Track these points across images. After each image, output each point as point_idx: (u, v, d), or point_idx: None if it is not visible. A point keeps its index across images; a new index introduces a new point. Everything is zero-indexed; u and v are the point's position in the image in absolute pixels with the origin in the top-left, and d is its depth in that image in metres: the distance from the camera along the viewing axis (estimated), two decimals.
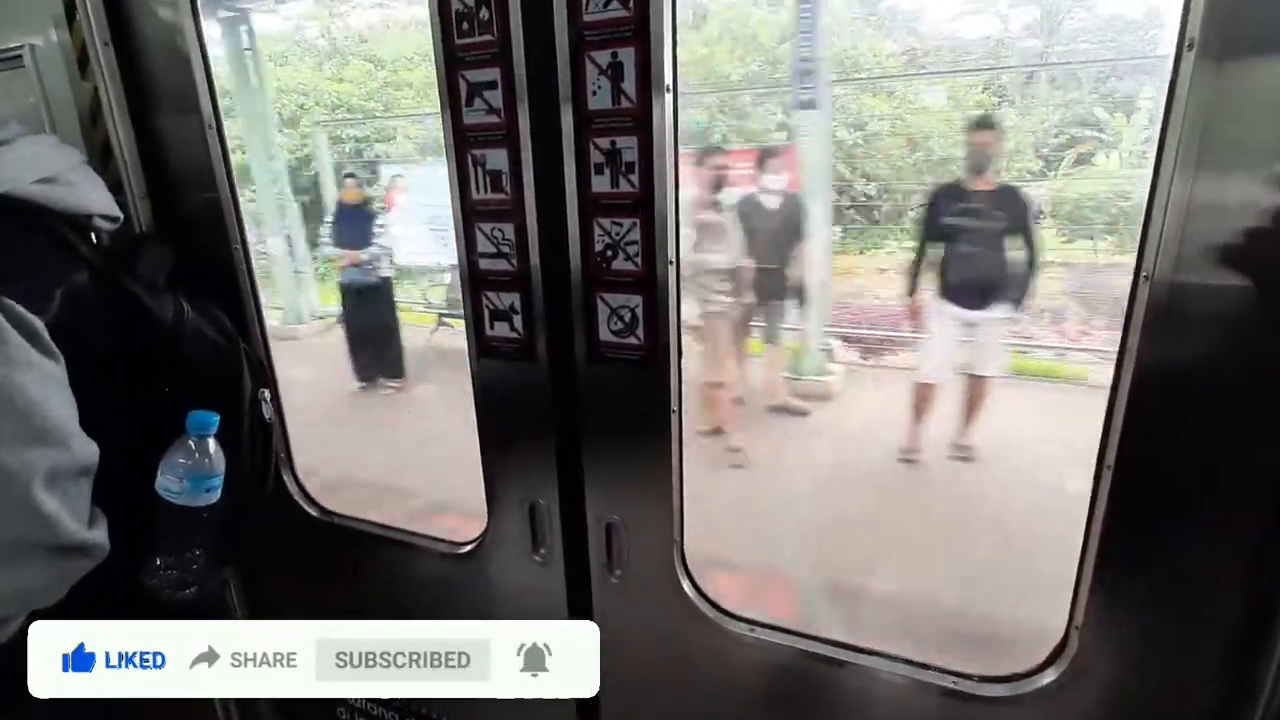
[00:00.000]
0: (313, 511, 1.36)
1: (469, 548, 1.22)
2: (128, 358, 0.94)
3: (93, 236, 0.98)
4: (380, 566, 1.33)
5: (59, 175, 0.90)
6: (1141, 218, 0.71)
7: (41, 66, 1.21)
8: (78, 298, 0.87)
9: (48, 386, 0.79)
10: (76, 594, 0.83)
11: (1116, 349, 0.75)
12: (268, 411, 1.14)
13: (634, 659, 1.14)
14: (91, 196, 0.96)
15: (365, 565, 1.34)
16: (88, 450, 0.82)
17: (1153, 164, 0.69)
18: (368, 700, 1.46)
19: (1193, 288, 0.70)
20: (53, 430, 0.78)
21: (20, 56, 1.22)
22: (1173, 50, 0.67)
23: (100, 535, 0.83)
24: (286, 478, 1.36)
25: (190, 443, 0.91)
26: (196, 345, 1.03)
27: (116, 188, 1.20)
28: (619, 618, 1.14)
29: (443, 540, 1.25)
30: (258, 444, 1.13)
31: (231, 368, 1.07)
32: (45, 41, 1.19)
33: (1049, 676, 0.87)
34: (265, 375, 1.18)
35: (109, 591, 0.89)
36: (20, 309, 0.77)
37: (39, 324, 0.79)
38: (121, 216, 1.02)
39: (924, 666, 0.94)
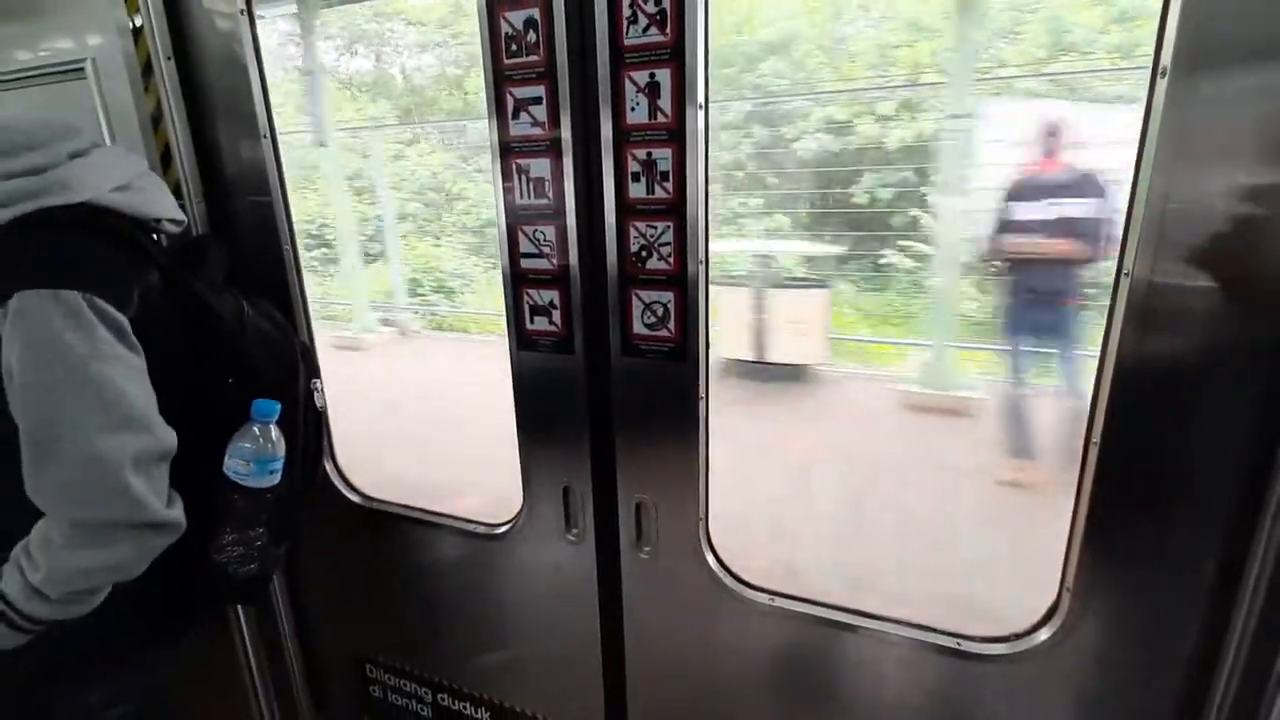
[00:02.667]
0: (353, 496, 1.44)
1: (504, 529, 1.30)
2: (196, 352, 1.01)
3: (156, 238, 1.05)
4: (418, 548, 1.41)
5: (130, 182, 0.97)
6: (1122, 223, 0.81)
7: (102, 77, 1.29)
8: (151, 297, 0.93)
9: (133, 378, 0.86)
10: (151, 568, 0.90)
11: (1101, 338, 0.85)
12: (320, 400, 1.22)
13: (660, 628, 1.23)
14: (159, 201, 1.03)
15: (403, 547, 1.42)
16: (168, 436, 0.89)
17: (1131, 175, 0.79)
18: (398, 678, 1.54)
19: (1166, 284, 0.80)
20: (138, 418, 0.86)
21: (82, 68, 1.30)
22: (1148, 77, 0.77)
23: (179, 514, 0.90)
24: (328, 464, 1.44)
25: (255, 428, 0.99)
26: (256, 340, 1.09)
27: (175, 192, 1.29)
28: (645, 591, 1.23)
29: (479, 522, 1.34)
30: (311, 430, 1.21)
31: (289, 360, 1.14)
32: (106, 53, 1.27)
33: (1043, 635, 0.97)
34: (317, 367, 1.26)
35: (179, 566, 0.97)
36: (108, 306, 0.85)
37: (124, 320, 0.86)
38: (186, 220, 1.10)
39: (930, 629, 1.04)
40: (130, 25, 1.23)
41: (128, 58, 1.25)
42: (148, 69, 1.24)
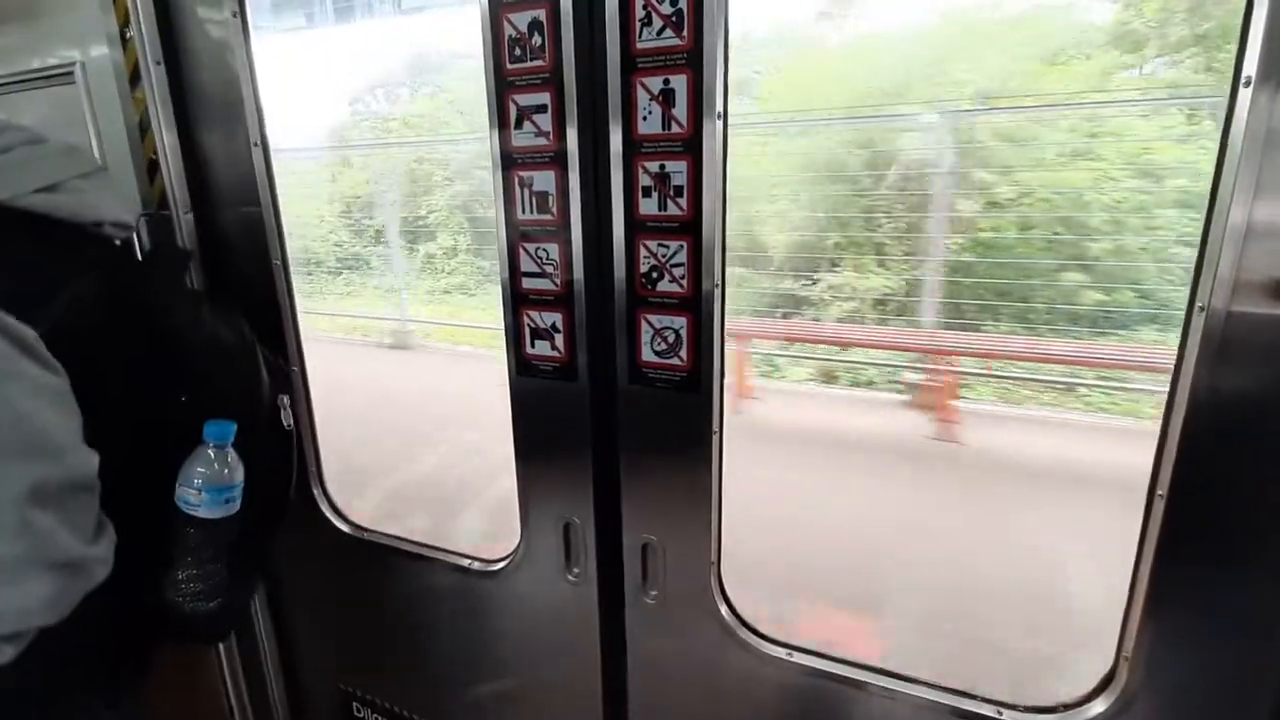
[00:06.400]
0: (342, 526, 1.35)
1: (500, 565, 1.21)
2: (141, 366, 0.91)
3: (115, 243, 0.95)
4: (410, 582, 1.32)
5: (63, 183, 0.87)
6: (1196, 250, 0.72)
7: (91, 82, 1.24)
8: (83, 306, 0.84)
9: (40, 399, 0.75)
10: (93, 608, 0.79)
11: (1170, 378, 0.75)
12: (286, 418, 1.14)
13: (666, 680, 1.14)
14: (100, 203, 0.92)
15: (394, 581, 1.33)
16: (83, 463, 0.78)
17: (1208, 198, 0.70)
18: (384, 717, 1.45)
19: (1248, 319, 0.71)
20: (42, 444, 0.75)
21: (71, 73, 1.25)
22: (1228, 87, 0.68)
23: (102, 551, 0.79)
24: (315, 492, 1.36)
25: (209, 452, 0.90)
26: (209, 351, 1.01)
27: (162, 202, 1.23)
28: (651, 639, 1.13)
29: (474, 558, 1.25)
30: (279, 452, 1.12)
31: (249, 374, 1.05)
32: (96, 58, 1.22)
33: (1097, 707, 0.86)
34: (286, 382, 1.19)
35: (127, 606, 0.88)
36: (10, 319, 0.74)
37: (31, 334, 0.76)
38: (133, 223, 0.97)
39: (969, 695, 0.93)
40: (120, 28, 1.17)
41: (116, 62, 1.20)
42: (136, 74, 1.19)
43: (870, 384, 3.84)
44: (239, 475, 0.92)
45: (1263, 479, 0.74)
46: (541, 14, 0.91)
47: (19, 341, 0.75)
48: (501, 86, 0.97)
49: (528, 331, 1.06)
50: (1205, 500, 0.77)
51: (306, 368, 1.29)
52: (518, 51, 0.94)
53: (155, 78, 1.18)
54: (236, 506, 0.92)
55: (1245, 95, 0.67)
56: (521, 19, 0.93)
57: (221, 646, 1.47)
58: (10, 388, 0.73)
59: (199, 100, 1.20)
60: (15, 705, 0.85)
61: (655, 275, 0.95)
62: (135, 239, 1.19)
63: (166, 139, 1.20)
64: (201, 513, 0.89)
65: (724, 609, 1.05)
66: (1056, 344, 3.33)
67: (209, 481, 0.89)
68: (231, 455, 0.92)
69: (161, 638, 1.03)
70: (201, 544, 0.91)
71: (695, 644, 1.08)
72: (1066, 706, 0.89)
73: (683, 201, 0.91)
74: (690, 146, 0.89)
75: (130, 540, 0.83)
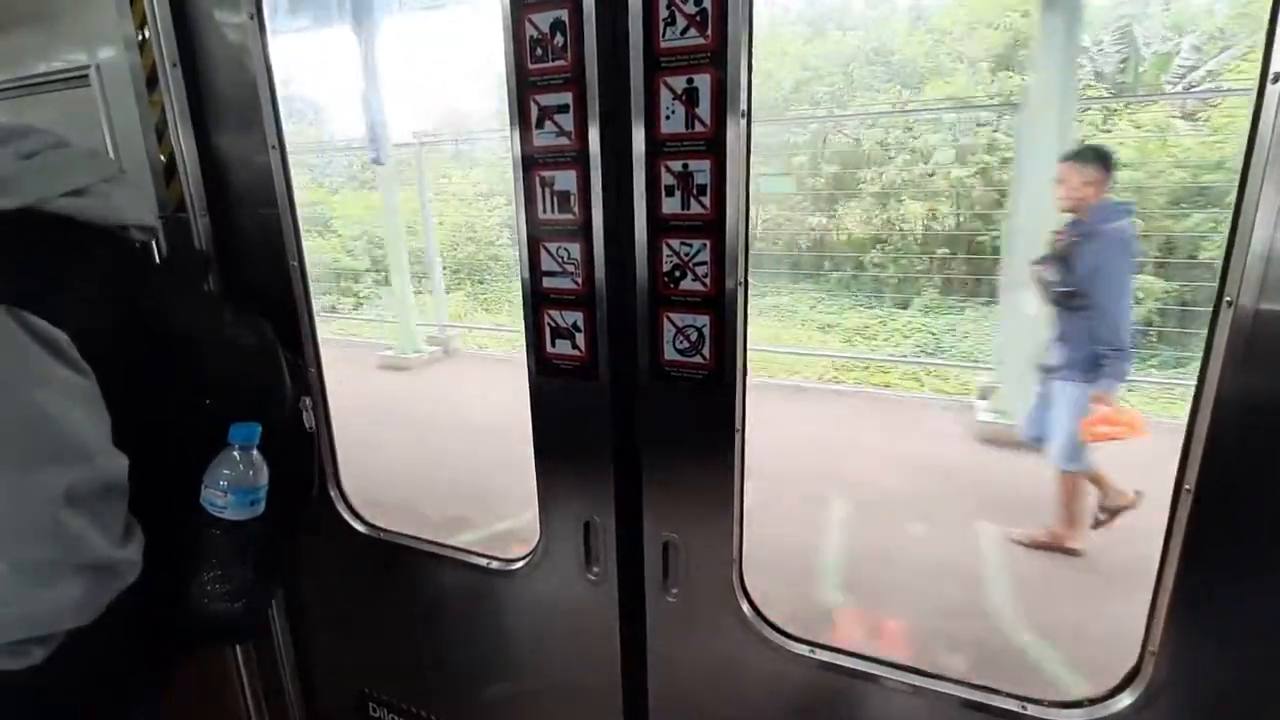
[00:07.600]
0: (359, 526, 1.36)
1: (519, 565, 1.21)
2: (148, 368, 0.91)
3: (137, 246, 0.96)
4: (428, 582, 1.32)
5: (90, 187, 0.88)
6: (1224, 245, 0.72)
7: (107, 85, 1.24)
8: (106, 310, 0.85)
9: (70, 401, 0.76)
10: (113, 610, 0.81)
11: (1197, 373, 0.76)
12: (309, 420, 1.14)
13: (688, 679, 1.14)
14: (125, 207, 0.92)
15: (412, 581, 1.33)
16: (114, 466, 0.79)
17: (1236, 190, 0.71)
18: (402, 718, 1.45)
19: (1276, 315, 0.71)
20: (74, 447, 0.76)
21: (86, 76, 1.25)
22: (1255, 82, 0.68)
23: (133, 552, 0.81)
24: (332, 492, 1.36)
25: (234, 454, 0.90)
26: (232, 356, 1.01)
27: (179, 204, 1.23)
28: (672, 637, 1.13)
29: (493, 557, 1.25)
30: (302, 454, 1.12)
31: (270, 376, 1.06)
32: (111, 61, 1.22)
33: (1123, 701, 0.87)
34: (308, 385, 1.19)
35: (153, 608, 0.88)
36: (43, 323, 0.75)
37: (63, 337, 0.76)
38: (157, 226, 0.98)
39: (993, 691, 0.93)
40: (136, 31, 1.18)
41: (133, 65, 1.20)
42: (153, 77, 1.19)
43: None
44: (264, 477, 0.92)
45: None
46: (564, 13, 0.91)
47: (52, 346, 0.75)
48: (523, 86, 0.97)
49: (548, 330, 1.06)
50: (1233, 497, 0.77)
51: (323, 369, 1.30)
52: (539, 51, 0.94)
53: (172, 80, 1.18)
54: (262, 508, 0.92)
55: (1274, 91, 0.67)
56: (544, 19, 0.93)
57: (239, 648, 1.47)
58: (43, 392, 0.74)
59: (216, 103, 1.20)
60: (33, 706, 0.86)
61: (678, 274, 0.95)
62: (155, 242, 1.19)
63: (184, 141, 1.20)
64: (228, 514, 0.89)
65: (746, 606, 1.06)
66: None
67: (235, 483, 0.89)
68: (257, 457, 0.92)
69: (185, 639, 1.03)
70: (228, 546, 0.91)
71: (716, 642, 1.09)
72: (1091, 701, 0.89)
73: (706, 200, 0.91)
74: (714, 145, 0.89)
75: (159, 543, 0.84)
